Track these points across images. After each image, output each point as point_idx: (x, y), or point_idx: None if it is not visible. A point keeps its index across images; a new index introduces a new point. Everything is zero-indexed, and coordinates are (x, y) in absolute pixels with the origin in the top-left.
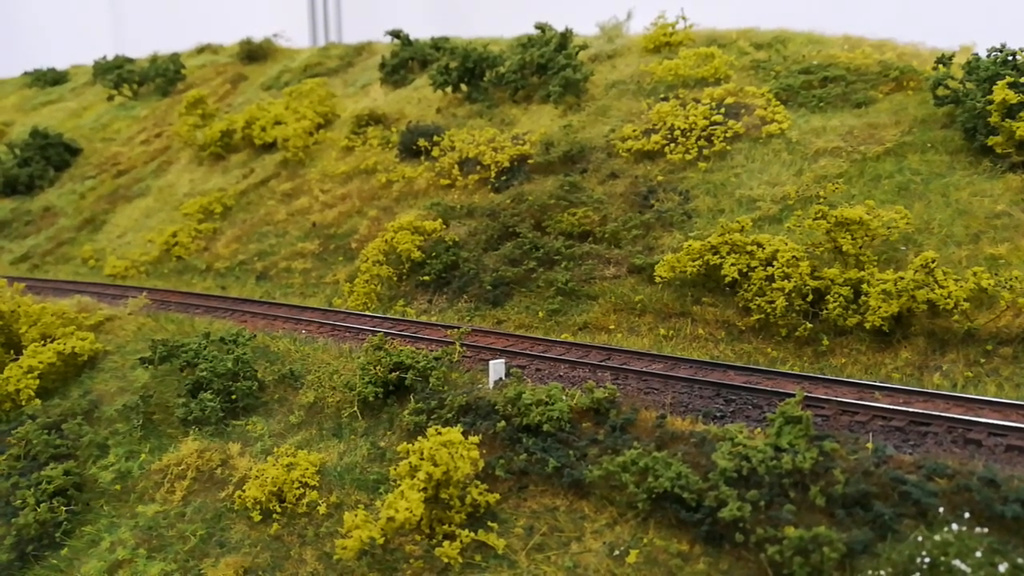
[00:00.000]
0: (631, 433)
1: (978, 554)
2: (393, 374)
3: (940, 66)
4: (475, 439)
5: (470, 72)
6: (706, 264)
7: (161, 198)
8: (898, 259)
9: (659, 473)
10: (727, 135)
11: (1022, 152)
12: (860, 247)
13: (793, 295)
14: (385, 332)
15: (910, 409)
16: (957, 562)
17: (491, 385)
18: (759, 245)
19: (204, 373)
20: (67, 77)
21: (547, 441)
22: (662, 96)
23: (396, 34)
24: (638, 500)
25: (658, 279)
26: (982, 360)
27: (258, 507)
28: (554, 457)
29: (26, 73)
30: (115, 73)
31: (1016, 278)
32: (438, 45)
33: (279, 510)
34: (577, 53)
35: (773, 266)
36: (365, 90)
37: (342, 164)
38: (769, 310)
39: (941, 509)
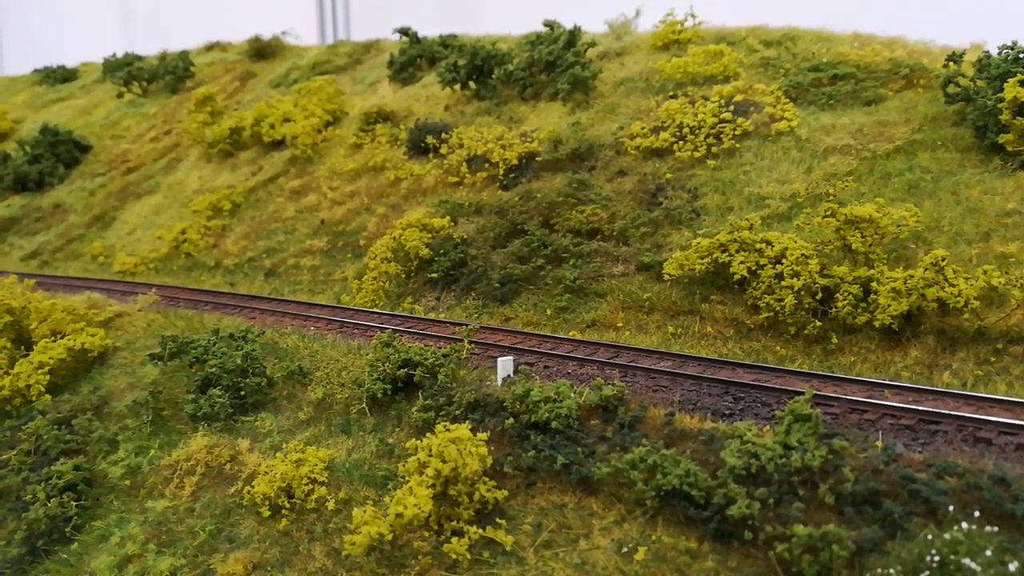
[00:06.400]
0: (639, 430)
1: (988, 553)
2: (401, 371)
3: (951, 64)
4: (483, 436)
5: (478, 70)
6: (715, 262)
7: (170, 195)
8: (908, 257)
9: (668, 470)
10: (736, 133)
11: None
12: (870, 245)
13: (802, 293)
14: (393, 329)
15: (920, 407)
16: (967, 560)
17: (499, 382)
18: (768, 243)
19: (213, 369)
20: (77, 74)
21: (555, 438)
22: (671, 94)
23: (404, 32)
24: (646, 497)
25: (666, 277)
26: (992, 359)
27: (267, 503)
28: (562, 454)
29: (36, 70)
30: (125, 71)
31: None
32: (446, 43)
33: (288, 506)
34: (586, 51)
35: (782, 264)
36: (373, 87)
37: (350, 161)
38: (778, 308)
39: (951, 507)
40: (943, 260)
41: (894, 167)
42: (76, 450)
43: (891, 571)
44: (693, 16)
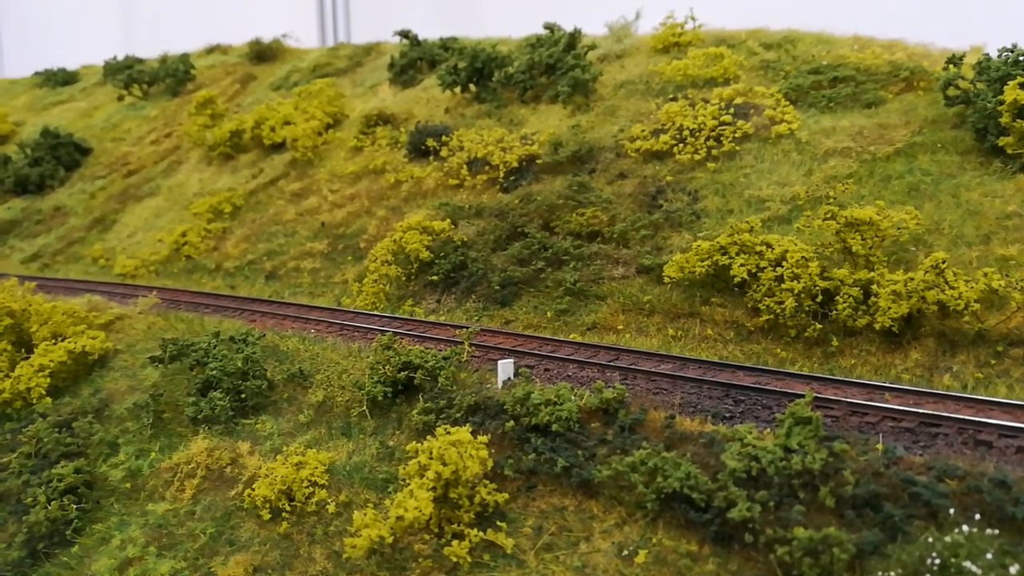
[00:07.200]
0: (640, 433)
1: (989, 556)
2: (402, 373)
3: (951, 66)
4: (484, 439)
5: (479, 72)
6: (715, 264)
7: (171, 198)
8: (908, 260)
9: (668, 473)
10: (736, 135)
11: None
12: (870, 248)
13: (802, 296)
14: (394, 332)
15: (920, 410)
16: (968, 563)
17: (500, 385)
18: (768, 245)
19: (214, 372)
20: (77, 77)
21: (556, 441)
22: (671, 96)
23: (405, 34)
24: (647, 500)
25: (667, 279)
26: (992, 361)
27: (267, 506)
28: (563, 457)
29: (37, 73)
30: (125, 73)
31: None
32: (447, 45)
33: (288, 509)
34: (586, 53)
35: (782, 266)
36: (374, 90)
37: (351, 164)
38: (778, 311)
39: (952, 510)
40: (943, 263)
41: (894, 170)
42: (76, 453)
43: (892, 574)
44: (693, 19)
